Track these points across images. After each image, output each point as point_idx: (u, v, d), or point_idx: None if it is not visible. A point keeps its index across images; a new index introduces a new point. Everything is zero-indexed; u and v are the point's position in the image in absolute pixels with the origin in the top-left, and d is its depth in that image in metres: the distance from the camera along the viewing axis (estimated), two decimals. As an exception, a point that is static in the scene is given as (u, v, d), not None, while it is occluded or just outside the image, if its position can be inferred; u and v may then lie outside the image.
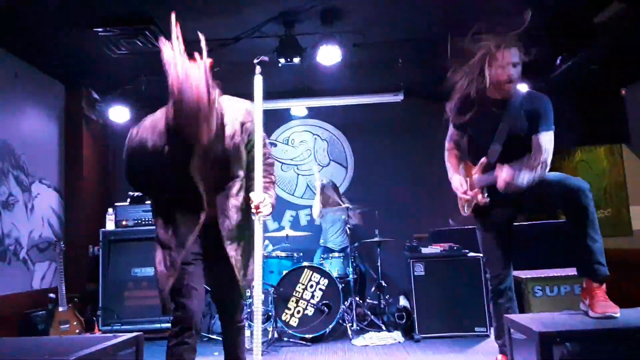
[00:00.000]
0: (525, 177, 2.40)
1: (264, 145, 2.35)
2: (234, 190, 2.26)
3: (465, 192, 2.67)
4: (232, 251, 2.23)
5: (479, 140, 2.67)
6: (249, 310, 4.06)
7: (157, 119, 2.09)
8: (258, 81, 2.31)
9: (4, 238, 4.34)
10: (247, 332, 4.24)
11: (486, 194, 2.59)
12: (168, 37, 1.98)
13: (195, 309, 2.10)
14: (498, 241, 2.70)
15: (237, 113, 2.23)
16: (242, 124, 2.23)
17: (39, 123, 5.01)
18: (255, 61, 2.27)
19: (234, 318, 2.40)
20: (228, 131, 2.18)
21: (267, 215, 2.27)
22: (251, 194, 2.26)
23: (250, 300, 3.51)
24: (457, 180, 2.73)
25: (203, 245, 2.28)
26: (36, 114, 4.95)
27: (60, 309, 4.28)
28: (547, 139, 2.46)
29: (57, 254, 4.46)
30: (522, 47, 2.50)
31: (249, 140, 2.27)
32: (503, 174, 2.41)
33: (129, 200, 5.09)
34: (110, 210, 5.15)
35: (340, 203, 5.23)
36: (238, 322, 2.42)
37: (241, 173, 2.29)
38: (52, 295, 4.34)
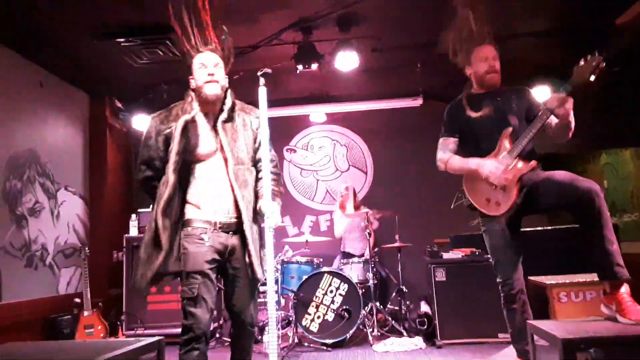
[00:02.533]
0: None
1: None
2: (252, 189, 2.41)
3: (504, 172, 2.51)
4: (253, 251, 2.32)
5: (484, 126, 2.66)
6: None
7: (173, 106, 2.42)
8: (262, 92, 2.37)
9: (31, 244, 4.45)
10: (265, 338, 4.27)
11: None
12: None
13: (205, 318, 2.18)
14: (507, 245, 2.63)
15: (247, 109, 2.51)
16: (252, 118, 2.48)
17: (64, 131, 5.14)
18: (259, 73, 2.34)
19: (250, 322, 2.43)
20: (239, 122, 2.44)
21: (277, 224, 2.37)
22: (261, 203, 2.36)
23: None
24: (491, 164, 2.55)
25: (227, 250, 2.35)
26: (61, 122, 5.08)
27: (85, 313, 4.37)
28: None
29: (82, 260, 4.56)
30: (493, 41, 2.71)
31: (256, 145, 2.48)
32: (556, 96, 2.41)
33: (151, 206, 5.16)
34: (133, 216, 5.24)
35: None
36: (251, 327, 2.45)
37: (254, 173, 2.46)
38: (77, 300, 4.44)
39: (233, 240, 2.34)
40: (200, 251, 2.26)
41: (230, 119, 2.40)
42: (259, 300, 2.57)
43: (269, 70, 2.39)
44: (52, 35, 4.21)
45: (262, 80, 2.40)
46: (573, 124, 2.48)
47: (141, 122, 5.59)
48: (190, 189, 2.35)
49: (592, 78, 2.25)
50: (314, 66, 4.47)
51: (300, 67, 4.47)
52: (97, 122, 5.60)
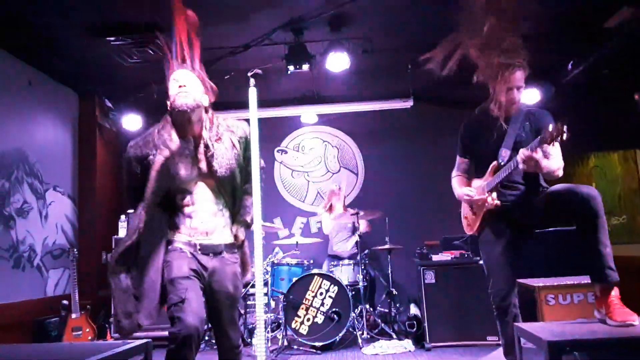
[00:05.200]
0: (543, 156, 2.40)
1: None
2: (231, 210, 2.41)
3: (475, 196, 2.69)
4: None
5: (486, 152, 2.71)
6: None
7: (149, 133, 2.32)
8: (252, 93, 2.34)
9: (19, 245, 4.40)
10: (254, 340, 4.25)
11: (496, 198, 2.60)
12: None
13: (192, 324, 2.06)
14: (503, 255, 2.65)
15: (234, 128, 2.41)
16: (239, 139, 2.40)
17: (53, 131, 5.09)
18: (249, 74, 2.31)
19: (231, 345, 2.35)
20: (227, 143, 2.35)
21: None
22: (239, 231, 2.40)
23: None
24: (465, 190, 2.77)
25: (208, 272, 2.29)
26: (50, 122, 5.03)
27: (73, 315, 4.33)
28: (556, 147, 2.54)
29: (70, 261, 4.52)
30: (526, 65, 2.60)
31: (245, 155, 2.39)
32: (522, 151, 2.40)
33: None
34: (122, 217, 5.20)
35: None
36: (235, 348, 2.37)
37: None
38: (65, 302, 4.39)
39: (214, 262, 2.29)
40: (182, 260, 2.22)
41: (212, 141, 2.33)
42: (248, 302, 2.55)
43: (260, 71, 2.38)
44: (41, 33, 4.17)
45: (252, 81, 2.38)
46: (551, 169, 2.49)
47: (131, 122, 5.57)
48: (170, 214, 2.32)
49: (552, 144, 2.27)
50: (305, 67, 4.46)
51: (291, 67, 4.46)
52: (87, 121, 5.55)
